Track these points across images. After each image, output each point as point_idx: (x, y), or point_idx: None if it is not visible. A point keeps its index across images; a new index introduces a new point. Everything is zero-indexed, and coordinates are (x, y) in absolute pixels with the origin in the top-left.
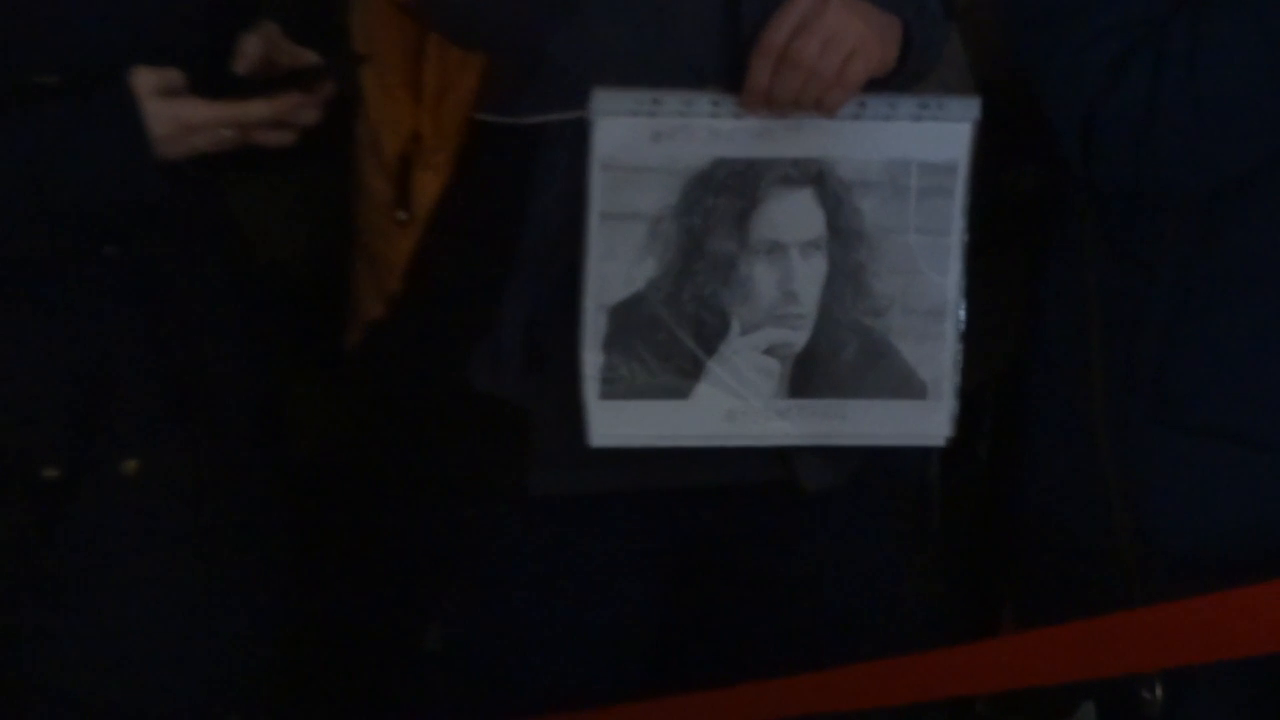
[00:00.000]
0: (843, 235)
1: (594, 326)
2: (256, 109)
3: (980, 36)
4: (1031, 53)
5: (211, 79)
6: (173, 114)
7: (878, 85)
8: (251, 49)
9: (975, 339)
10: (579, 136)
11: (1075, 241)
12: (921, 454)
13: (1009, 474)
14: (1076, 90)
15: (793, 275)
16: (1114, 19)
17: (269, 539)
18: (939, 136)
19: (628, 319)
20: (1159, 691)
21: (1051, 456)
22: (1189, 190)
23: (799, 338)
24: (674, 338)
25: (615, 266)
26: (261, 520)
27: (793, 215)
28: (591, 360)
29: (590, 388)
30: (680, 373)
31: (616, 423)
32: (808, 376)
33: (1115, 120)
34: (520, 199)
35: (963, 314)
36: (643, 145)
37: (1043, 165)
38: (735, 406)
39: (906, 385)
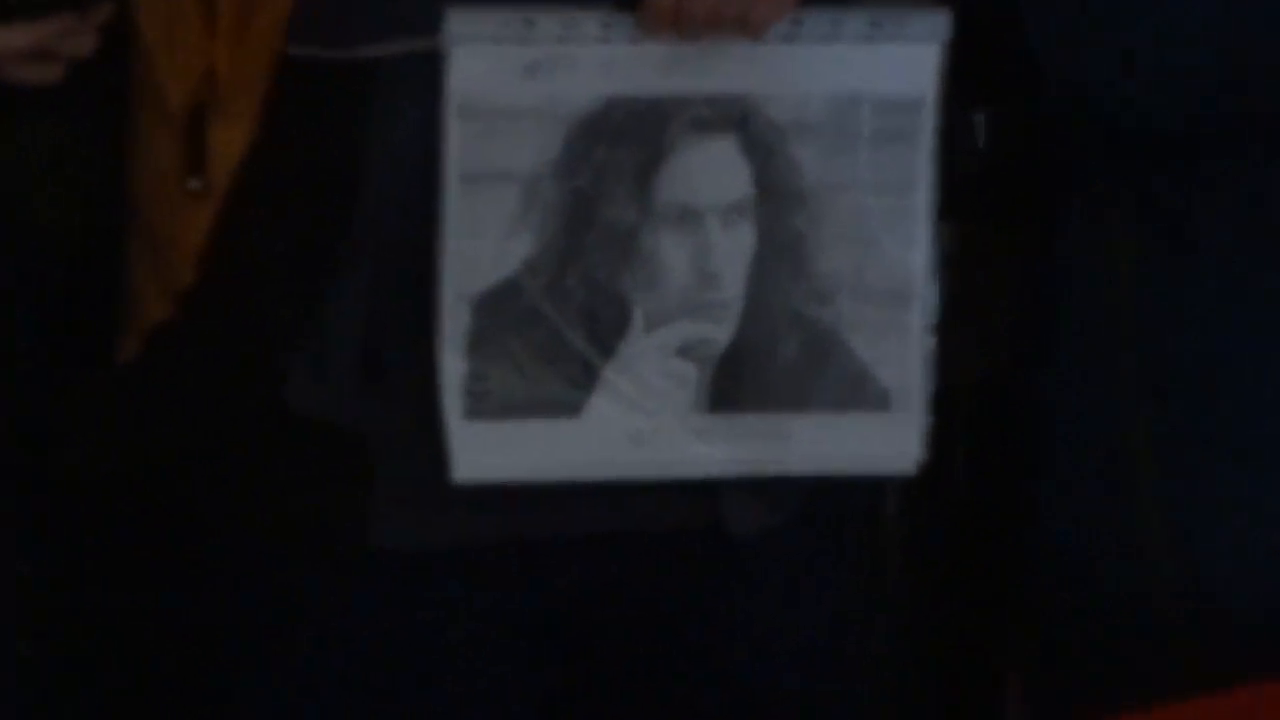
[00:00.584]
0: (775, 196)
1: (454, 324)
2: (17, 35)
3: None
4: None
5: None
6: None
7: None
8: None
9: (952, 332)
10: (428, 73)
11: (1095, 204)
12: (873, 483)
13: (1000, 505)
14: (1059, 16)
15: (711, 251)
16: None
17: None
18: (898, 63)
19: (498, 313)
20: None
21: (1072, 482)
22: (1189, 130)
23: (721, 333)
24: (559, 336)
25: (480, 244)
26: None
27: (709, 171)
28: (451, 368)
29: (451, 405)
30: (568, 382)
31: (486, 450)
32: (734, 385)
33: (1099, 49)
34: (351, 157)
35: (934, 299)
36: (512, 82)
37: (1044, 99)
38: (641, 426)
39: (862, 394)
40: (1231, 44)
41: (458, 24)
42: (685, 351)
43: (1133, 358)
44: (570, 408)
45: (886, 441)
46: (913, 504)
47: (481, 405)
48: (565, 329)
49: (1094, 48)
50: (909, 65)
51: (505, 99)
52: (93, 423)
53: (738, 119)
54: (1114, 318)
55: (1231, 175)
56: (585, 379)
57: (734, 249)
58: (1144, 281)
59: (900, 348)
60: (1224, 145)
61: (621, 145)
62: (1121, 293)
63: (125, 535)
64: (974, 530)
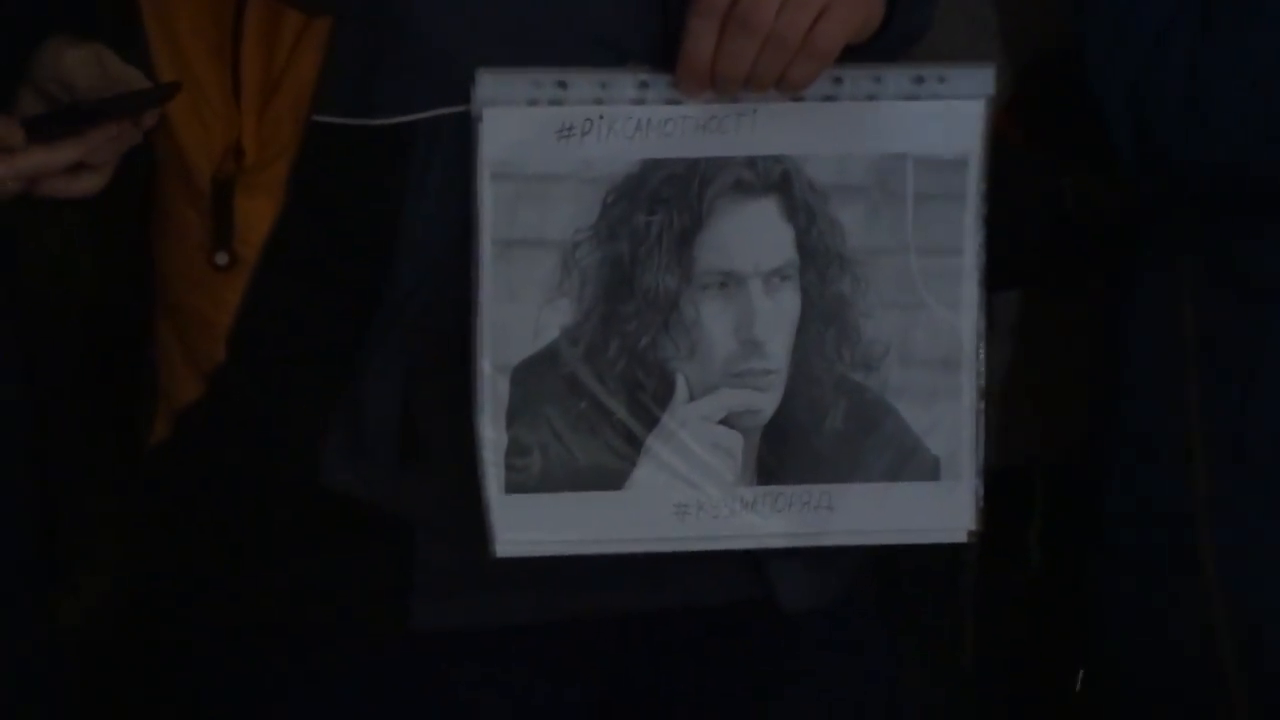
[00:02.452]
0: (819, 260)
1: (492, 395)
2: (62, 154)
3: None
4: (1075, 19)
5: None
6: None
7: (856, 55)
8: (83, 77)
9: (1030, 407)
10: (460, 138)
11: (1167, 266)
12: (948, 557)
13: (1073, 582)
14: (1120, 61)
15: (754, 317)
16: None
17: None
18: (942, 121)
19: (537, 383)
20: None
21: (1134, 553)
22: (1258, 177)
23: (767, 402)
24: (600, 406)
25: (517, 312)
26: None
27: (751, 235)
28: (491, 441)
29: (491, 478)
30: (611, 454)
31: (527, 524)
32: (781, 454)
33: (1160, 94)
34: (383, 227)
35: (983, 361)
36: (547, 145)
37: (1115, 168)
38: (686, 497)
39: (912, 462)
40: None
41: (489, 86)
42: (730, 421)
43: (1198, 421)
44: (613, 479)
45: (937, 511)
46: (987, 577)
47: (522, 478)
48: (606, 398)
49: (1158, 97)
50: (953, 122)
51: (539, 162)
52: (126, 509)
53: (778, 181)
54: (1178, 383)
55: None
56: (628, 450)
57: (778, 315)
58: (1209, 345)
59: (950, 414)
60: None
61: (660, 209)
62: (1187, 358)
63: (161, 619)
64: (1048, 607)
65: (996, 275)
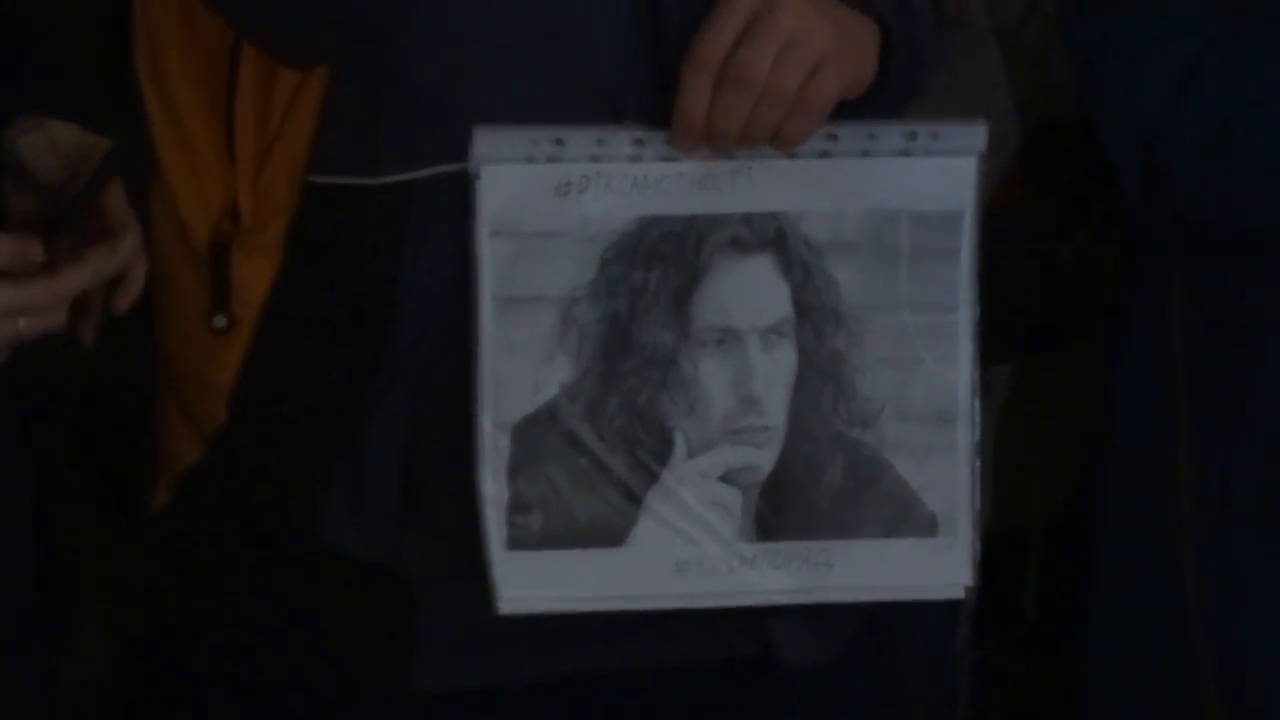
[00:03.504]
0: (815, 316)
1: (493, 452)
2: (70, 280)
3: (1034, 61)
4: (1082, 64)
5: None
6: None
7: (851, 110)
8: (41, 171)
9: (1025, 468)
10: (458, 196)
11: (1160, 319)
12: (944, 614)
13: (1069, 638)
14: (1135, 108)
15: (752, 373)
16: (1179, 15)
17: None
18: (936, 177)
19: (537, 440)
20: None
21: (1123, 608)
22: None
23: (765, 458)
24: (600, 463)
25: (517, 369)
26: None
27: (748, 292)
28: (492, 498)
29: (493, 535)
30: (611, 510)
31: (529, 581)
32: (779, 511)
33: (1182, 145)
34: (382, 285)
35: (979, 418)
36: (544, 202)
37: (1112, 226)
38: (686, 555)
39: (910, 518)
40: None
41: (486, 144)
42: (729, 477)
43: (1187, 471)
44: (613, 536)
45: (935, 567)
46: (984, 634)
47: (523, 534)
48: (606, 455)
49: (1169, 143)
50: (947, 178)
51: (537, 219)
52: (128, 573)
53: (774, 237)
54: (1169, 432)
55: None
56: (628, 506)
57: (775, 372)
58: (1199, 394)
59: (947, 470)
60: None
61: (657, 266)
62: (1176, 407)
63: (163, 681)
64: (1043, 668)
65: (995, 345)
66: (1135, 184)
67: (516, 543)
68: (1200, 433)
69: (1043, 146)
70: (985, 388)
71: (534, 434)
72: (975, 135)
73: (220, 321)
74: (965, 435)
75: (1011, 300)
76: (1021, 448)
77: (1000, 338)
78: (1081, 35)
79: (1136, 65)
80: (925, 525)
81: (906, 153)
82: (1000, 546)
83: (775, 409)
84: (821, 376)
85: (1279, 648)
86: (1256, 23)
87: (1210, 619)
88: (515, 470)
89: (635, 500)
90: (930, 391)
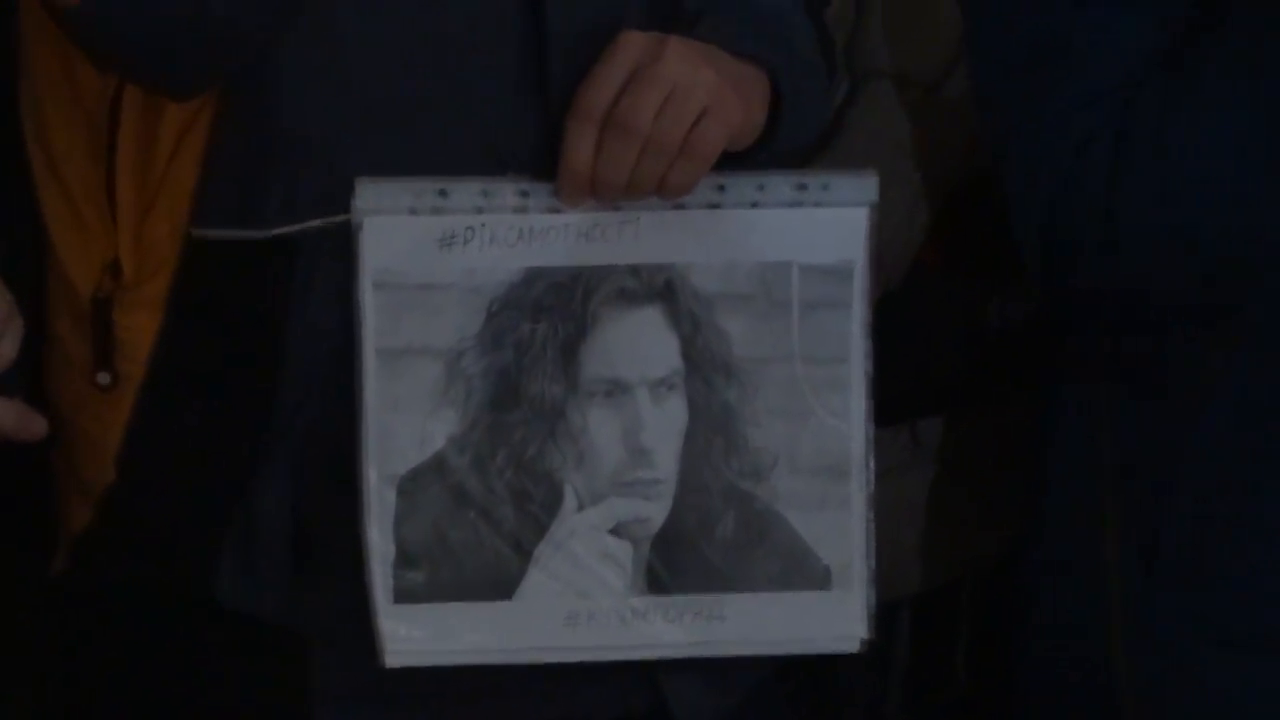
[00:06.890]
0: (704, 369)
1: (378, 505)
2: None
3: (956, 114)
4: (995, 139)
5: None
6: None
7: (739, 162)
8: None
9: (955, 528)
10: (342, 247)
11: (1086, 378)
12: (875, 678)
13: (999, 704)
14: (1037, 182)
15: (641, 426)
16: (1084, 90)
17: None
18: (826, 228)
19: (424, 493)
20: None
21: (1051, 666)
22: (1172, 299)
23: (656, 511)
24: (488, 516)
25: (403, 422)
26: None
27: (636, 344)
28: (378, 551)
29: (379, 588)
30: (500, 563)
31: (417, 636)
32: (671, 564)
33: (1074, 214)
34: (268, 340)
35: (872, 470)
36: (428, 254)
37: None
38: (577, 608)
39: (802, 571)
40: (1233, 213)
41: (368, 195)
42: (620, 530)
43: (1114, 543)
44: (503, 589)
45: (828, 620)
46: (915, 694)
47: (410, 587)
48: (494, 508)
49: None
50: (838, 229)
51: (421, 271)
52: (31, 639)
53: (662, 289)
54: (1096, 502)
55: (1228, 347)
56: (517, 559)
57: (665, 424)
58: (1126, 460)
59: (840, 523)
60: (1220, 314)
61: (544, 318)
62: (1103, 474)
63: None
64: None
65: (920, 401)
66: (1034, 255)
67: (403, 595)
68: (1125, 508)
69: (966, 202)
70: (915, 440)
71: (421, 487)
72: (866, 186)
73: (104, 379)
74: (859, 488)
75: (938, 354)
76: (951, 505)
77: (927, 392)
78: (993, 104)
79: (1041, 140)
80: (818, 578)
81: (797, 203)
82: (930, 607)
83: (666, 461)
84: (712, 429)
85: (1201, 707)
86: (1158, 95)
87: (1137, 684)
88: (401, 523)
89: (524, 553)
90: (822, 444)
